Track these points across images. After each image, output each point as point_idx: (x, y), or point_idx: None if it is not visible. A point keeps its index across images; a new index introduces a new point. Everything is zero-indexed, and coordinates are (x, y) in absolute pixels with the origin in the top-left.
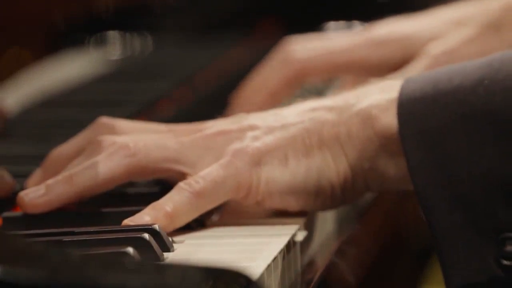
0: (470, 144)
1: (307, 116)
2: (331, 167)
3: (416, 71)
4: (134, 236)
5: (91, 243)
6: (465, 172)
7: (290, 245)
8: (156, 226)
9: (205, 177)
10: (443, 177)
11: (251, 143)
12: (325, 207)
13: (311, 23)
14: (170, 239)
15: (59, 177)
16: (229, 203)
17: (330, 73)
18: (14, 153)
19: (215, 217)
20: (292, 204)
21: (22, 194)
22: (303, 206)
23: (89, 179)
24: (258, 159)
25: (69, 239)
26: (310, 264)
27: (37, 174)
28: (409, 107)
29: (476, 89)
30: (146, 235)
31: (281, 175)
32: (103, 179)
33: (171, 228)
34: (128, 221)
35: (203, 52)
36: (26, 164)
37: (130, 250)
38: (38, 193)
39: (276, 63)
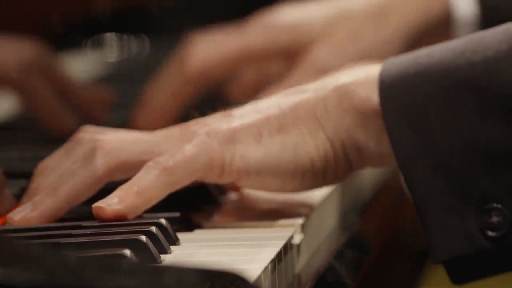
0: (452, 114)
1: (281, 99)
2: (308, 142)
3: (301, 79)
4: (131, 238)
5: (88, 245)
6: (448, 142)
7: (287, 248)
8: (153, 228)
9: (175, 155)
10: (426, 149)
11: (224, 124)
12: (305, 186)
13: None
14: (171, 238)
15: (44, 191)
16: (226, 205)
17: (229, 66)
18: (13, 156)
19: (231, 197)
20: (270, 182)
21: (11, 215)
22: (282, 185)
23: (72, 187)
24: (231, 137)
25: (66, 241)
26: (308, 266)
27: (29, 189)
28: (390, 82)
29: (457, 61)
30: (143, 237)
31: (256, 151)
32: (86, 183)
33: (143, 207)
34: (98, 204)
35: None
36: (23, 168)
37: (127, 252)
38: (26, 211)
39: (175, 65)
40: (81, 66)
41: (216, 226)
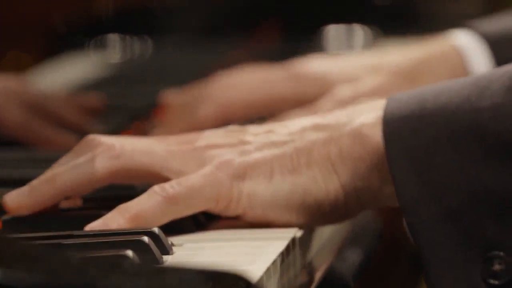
0: (458, 159)
1: (298, 135)
2: (320, 186)
3: (321, 109)
4: (133, 239)
5: (90, 246)
6: (453, 188)
7: (289, 248)
8: (156, 229)
9: (181, 183)
10: (430, 194)
11: (238, 157)
12: (311, 223)
13: (311, 27)
14: (169, 242)
15: (43, 176)
16: None
17: (251, 112)
18: (14, 157)
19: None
20: (274, 219)
21: (6, 196)
22: (287, 222)
23: (72, 180)
24: (243, 172)
25: (69, 242)
26: (310, 266)
27: None
28: (394, 125)
29: (463, 106)
30: (146, 238)
31: (264, 190)
32: (86, 179)
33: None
34: (92, 226)
35: (203, 55)
36: (26, 168)
37: (130, 253)
38: (22, 194)
39: (200, 100)
40: (84, 67)
41: (218, 227)
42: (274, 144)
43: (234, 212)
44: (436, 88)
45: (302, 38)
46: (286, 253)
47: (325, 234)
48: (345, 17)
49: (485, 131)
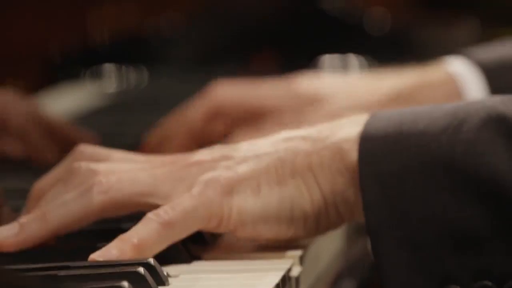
0: (427, 190)
1: (281, 146)
2: (305, 196)
3: (313, 118)
4: (129, 271)
5: (86, 278)
6: (418, 216)
7: (285, 280)
8: (151, 260)
9: (174, 207)
10: (395, 219)
11: (224, 172)
12: (299, 236)
13: (306, 56)
14: (165, 273)
15: (33, 215)
16: (223, 237)
17: (245, 114)
18: (11, 186)
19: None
20: (265, 233)
21: None
22: (276, 235)
23: (63, 217)
24: (230, 188)
25: (64, 274)
26: None
27: (24, 211)
28: (370, 145)
29: (439, 137)
30: (141, 269)
31: (253, 204)
32: (77, 216)
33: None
34: (95, 256)
35: (199, 84)
36: (23, 199)
37: (125, 284)
38: (12, 232)
39: (197, 101)
40: (80, 96)
41: (214, 258)
42: (257, 156)
43: (226, 228)
44: (416, 111)
45: (297, 67)
46: (282, 285)
47: (322, 264)
48: (340, 47)
49: (455, 166)
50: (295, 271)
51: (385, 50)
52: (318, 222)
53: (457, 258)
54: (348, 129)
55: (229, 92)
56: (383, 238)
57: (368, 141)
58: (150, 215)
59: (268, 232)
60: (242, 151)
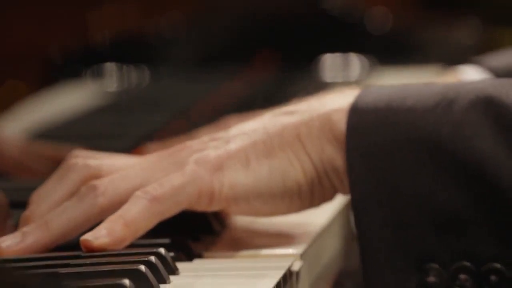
0: (411, 168)
1: (268, 121)
2: (296, 166)
3: None
4: (130, 268)
5: (87, 275)
6: (401, 194)
7: (286, 277)
8: (153, 258)
9: (163, 183)
10: (380, 194)
11: (213, 151)
12: (294, 209)
13: (307, 56)
14: (166, 270)
15: (35, 223)
16: (226, 234)
17: None
18: (12, 186)
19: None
20: (259, 207)
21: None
22: (271, 209)
23: (64, 224)
24: (220, 164)
25: (65, 271)
26: None
27: (21, 220)
28: (358, 117)
29: (427, 115)
30: (143, 267)
31: (244, 178)
32: (78, 222)
33: (131, 238)
34: (86, 237)
35: (200, 84)
36: (23, 197)
37: (126, 282)
38: (15, 240)
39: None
40: (81, 96)
41: (216, 256)
42: (245, 133)
43: (219, 205)
44: (407, 88)
45: (298, 67)
46: (283, 282)
47: (323, 262)
48: (341, 46)
49: (441, 147)
50: (296, 269)
51: (386, 50)
52: (312, 192)
53: (439, 239)
54: (338, 101)
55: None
56: (366, 213)
57: (357, 114)
58: (138, 193)
59: (263, 207)
60: (230, 131)
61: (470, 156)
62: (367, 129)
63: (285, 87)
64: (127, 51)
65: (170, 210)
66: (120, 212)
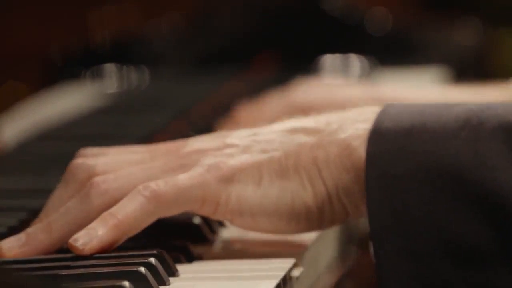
0: (430, 197)
1: (286, 137)
2: (308, 189)
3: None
4: (130, 270)
5: (87, 277)
6: (420, 226)
7: (286, 280)
8: (153, 260)
9: (167, 182)
10: (398, 224)
11: (226, 159)
12: (300, 230)
13: (307, 57)
14: (166, 272)
15: (38, 225)
16: (224, 237)
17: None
18: (10, 187)
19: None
20: (264, 225)
21: (2, 243)
22: (276, 228)
23: (67, 225)
24: (231, 176)
25: (65, 273)
26: None
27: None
28: (378, 146)
29: (447, 144)
30: (143, 269)
31: (253, 194)
32: (81, 222)
33: (124, 237)
34: (75, 237)
35: (200, 85)
36: (22, 198)
37: (126, 284)
38: (19, 242)
39: (278, 101)
40: (81, 97)
41: (215, 258)
42: (262, 147)
43: (223, 216)
44: (427, 112)
45: (298, 68)
46: (283, 285)
47: (322, 265)
48: (341, 47)
49: (462, 177)
50: (296, 272)
51: (386, 50)
52: (322, 216)
53: (458, 272)
54: (357, 125)
55: (310, 91)
56: (384, 244)
57: (377, 141)
58: (138, 187)
59: (268, 225)
60: (246, 140)
61: (491, 187)
62: (386, 158)
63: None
64: (127, 52)
65: (169, 210)
66: (114, 209)
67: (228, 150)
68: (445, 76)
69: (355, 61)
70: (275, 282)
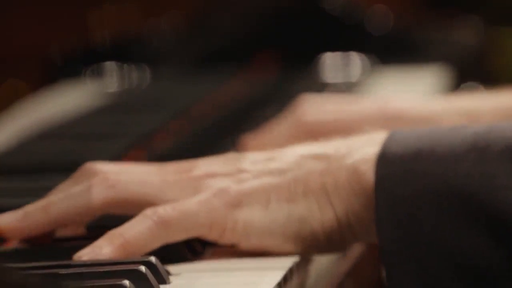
0: (440, 220)
1: (296, 164)
2: (316, 216)
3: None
4: (130, 269)
5: (87, 276)
6: (431, 249)
7: (287, 277)
8: (153, 259)
9: (175, 207)
10: (409, 248)
11: (234, 184)
12: (307, 252)
13: (308, 55)
14: (166, 271)
15: (38, 204)
16: None
17: (332, 132)
18: (10, 186)
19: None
20: (270, 247)
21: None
22: (282, 250)
23: (66, 209)
24: (239, 201)
25: (65, 272)
26: None
27: None
28: (387, 169)
29: (457, 166)
30: (143, 268)
31: (260, 218)
32: (80, 209)
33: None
34: (81, 254)
35: (200, 84)
36: (22, 197)
37: (126, 283)
38: (16, 217)
39: (287, 124)
40: (81, 95)
41: (216, 256)
42: (271, 172)
43: (229, 240)
44: (435, 135)
45: (299, 67)
46: (284, 283)
47: (325, 262)
48: (342, 46)
49: (472, 200)
50: (298, 269)
51: (387, 49)
52: (330, 242)
53: None
54: (366, 149)
55: (319, 110)
56: (396, 268)
57: (385, 165)
58: (147, 211)
59: (274, 248)
60: (257, 166)
61: (500, 207)
62: (395, 180)
63: (285, 87)
64: (127, 51)
65: (176, 235)
66: (122, 229)
67: (239, 176)
68: (446, 75)
69: (356, 60)
70: (275, 280)
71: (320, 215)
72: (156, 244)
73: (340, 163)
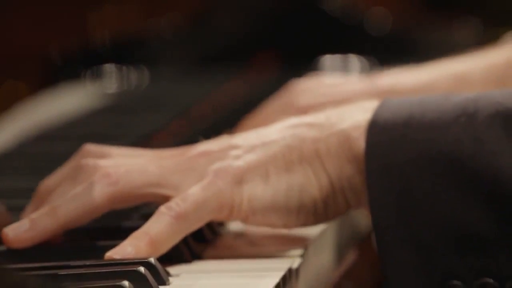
0: (430, 185)
1: (288, 133)
2: (313, 182)
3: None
4: (129, 270)
5: (86, 277)
6: (422, 214)
7: (286, 278)
8: (152, 259)
9: (186, 199)
10: (399, 214)
11: (233, 162)
12: (308, 223)
13: (307, 57)
14: (166, 272)
15: (43, 210)
16: (226, 236)
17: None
18: (9, 187)
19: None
20: (274, 221)
21: (6, 230)
22: (286, 223)
23: (73, 211)
24: (240, 177)
25: (65, 273)
26: None
27: (29, 209)
28: (377, 135)
29: (446, 131)
30: (142, 268)
31: (263, 192)
32: (87, 209)
33: (156, 255)
34: (111, 254)
35: (200, 85)
36: (22, 198)
37: (126, 283)
38: (23, 228)
39: (278, 106)
40: (80, 97)
41: (215, 257)
42: (265, 144)
43: (237, 217)
44: (425, 102)
45: (298, 68)
46: (283, 284)
47: (322, 264)
48: (341, 47)
49: (461, 164)
50: (296, 270)
51: (386, 51)
52: (326, 208)
53: (460, 258)
54: (357, 116)
55: (311, 94)
56: (387, 236)
57: (376, 131)
58: (162, 209)
59: (278, 220)
60: (249, 139)
61: (490, 173)
62: (386, 147)
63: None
64: (127, 52)
65: (193, 225)
66: (144, 228)
67: (233, 151)
68: None
69: (355, 61)
70: (274, 281)
71: (316, 182)
72: (178, 238)
73: (331, 130)
